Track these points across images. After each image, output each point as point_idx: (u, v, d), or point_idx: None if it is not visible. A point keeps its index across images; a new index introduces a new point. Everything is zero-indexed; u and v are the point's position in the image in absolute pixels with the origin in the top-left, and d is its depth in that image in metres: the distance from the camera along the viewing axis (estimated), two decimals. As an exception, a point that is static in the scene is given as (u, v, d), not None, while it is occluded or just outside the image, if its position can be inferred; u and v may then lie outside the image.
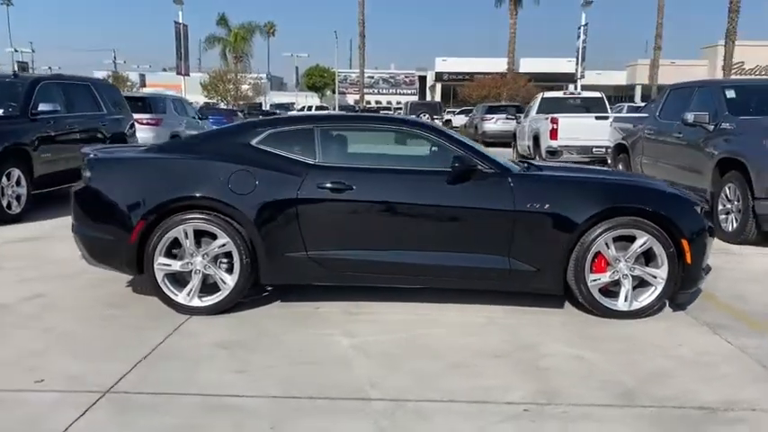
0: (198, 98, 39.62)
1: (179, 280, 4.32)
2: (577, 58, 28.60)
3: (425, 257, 4.26)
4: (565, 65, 50.57)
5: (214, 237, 4.22)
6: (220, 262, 4.26)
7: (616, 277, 4.27)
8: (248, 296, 4.44)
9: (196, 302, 4.24)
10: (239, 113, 27.62)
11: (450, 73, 57.12)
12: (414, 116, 21.31)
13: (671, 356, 3.68)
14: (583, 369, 3.48)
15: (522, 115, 17.17)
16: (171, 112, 14.12)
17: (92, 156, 4.44)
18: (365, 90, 52.44)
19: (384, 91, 65.96)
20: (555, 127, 12.68)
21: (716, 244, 4.94)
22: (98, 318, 4.23)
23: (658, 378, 3.37)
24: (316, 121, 4.58)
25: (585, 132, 12.56)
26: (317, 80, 67.85)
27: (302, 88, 64.70)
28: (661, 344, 3.88)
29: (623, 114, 12.81)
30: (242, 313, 4.32)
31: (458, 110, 40.05)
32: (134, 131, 11.06)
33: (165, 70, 71.57)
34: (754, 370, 3.50)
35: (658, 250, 4.21)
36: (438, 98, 53.88)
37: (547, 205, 4.18)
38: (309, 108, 49.92)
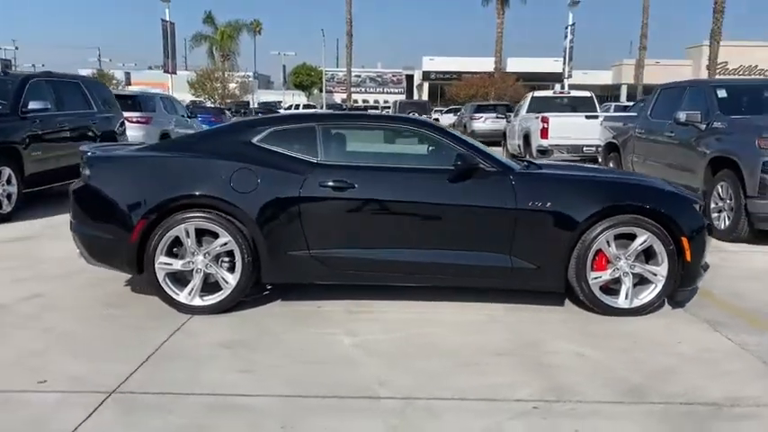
0: (185, 96, 39.34)
1: (180, 279, 4.29)
2: (565, 58, 28.74)
3: (428, 255, 4.26)
4: (552, 64, 50.83)
5: (215, 235, 4.19)
6: (222, 261, 4.24)
7: (617, 275, 4.29)
8: (249, 295, 4.41)
9: (197, 302, 4.22)
10: (227, 112, 27.42)
11: (437, 72, 57.21)
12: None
13: (673, 353, 3.71)
14: (588, 366, 3.50)
15: (513, 114, 17.23)
16: (161, 111, 14.00)
17: (91, 154, 4.40)
18: (352, 89, 52.40)
19: (371, 90, 65.89)
20: (545, 126, 12.73)
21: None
22: (98, 317, 4.19)
23: (663, 375, 3.40)
24: (318, 120, 4.57)
25: (576, 131, 12.63)
26: (304, 79, 67.63)
27: (289, 87, 64.48)
28: (662, 341, 3.91)
29: (614, 114, 12.87)
30: (243, 312, 4.30)
31: (445, 109, 40.10)
32: (124, 130, 10.97)
33: (150, 68, 71.08)
34: (757, 367, 3.54)
35: (658, 248, 4.24)
36: (425, 97, 53.95)
37: (548, 203, 4.20)
38: (297, 107, 49.77)
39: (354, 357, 3.61)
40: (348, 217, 4.23)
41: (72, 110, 9.29)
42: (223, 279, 4.21)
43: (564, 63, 28.70)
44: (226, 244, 4.17)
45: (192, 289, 4.21)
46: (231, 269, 4.22)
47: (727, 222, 6.93)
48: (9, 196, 7.67)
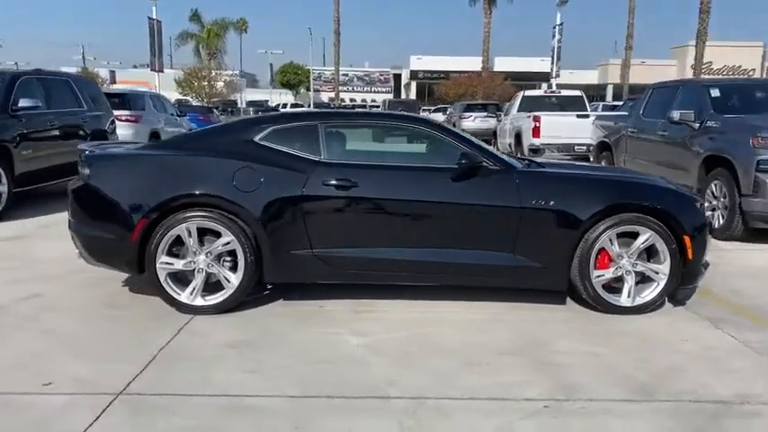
0: (171, 95, 39.05)
1: (180, 279, 4.24)
2: (553, 58, 28.82)
3: (431, 255, 4.25)
4: (539, 64, 51.05)
5: (217, 235, 4.15)
6: (224, 260, 4.20)
7: (619, 273, 4.31)
8: (250, 295, 4.37)
9: (199, 302, 4.18)
10: (215, 111, 27.26)
11: (425, 71, 57.29)
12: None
13: (678, 351, 3.73)
14: (594, 365, 3.50)
15: (503, 113, 17.27)
16: (150, 109, 13.89)
17: (90, 152, 4.34)
18: (340, 88, 52.30)
19: (358, 89, 65.88)
20: (537, 125, 12.78)
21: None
22: (99, 318, 4.14)
23: (670, 373, 3.41)
24: (320, 118, 4.54)
25: (567, 130, 12.70)
26: (292, 77, 67.41)
27: (276, 86, 64.21)
28: (666, 339, 3.93)
29: (606, 113, 12.95)
30: (245, 312, 4.26)
31: (433, 108, 40.15)
32: (114, 128, 10.87)
33: (135, 67, 70.53)
34: (762, 364, 3.56)
35: (661, 246, 4.26)
36: (413, 96, 54.02)
37: (552, 202, 4.20)
38: (284, 106, 49.59)
39: (361, 357, 3.59)
40: (351, 216, 4.21)
41: (62, 108, 9.18)
42: (225, 279, 4.18)
43: (552, 63, 28.80)
44: (228, 243, 4.13)
45: (194, 289, 4.17)
46: (233, 269, 4.19)
47: (722, 221, 6.98)
48: (-1, 195, 7.57)
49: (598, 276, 4.28)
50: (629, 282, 4.31)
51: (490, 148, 4.60)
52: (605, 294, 4.31)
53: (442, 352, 3.66)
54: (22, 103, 8.07)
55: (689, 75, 44.77)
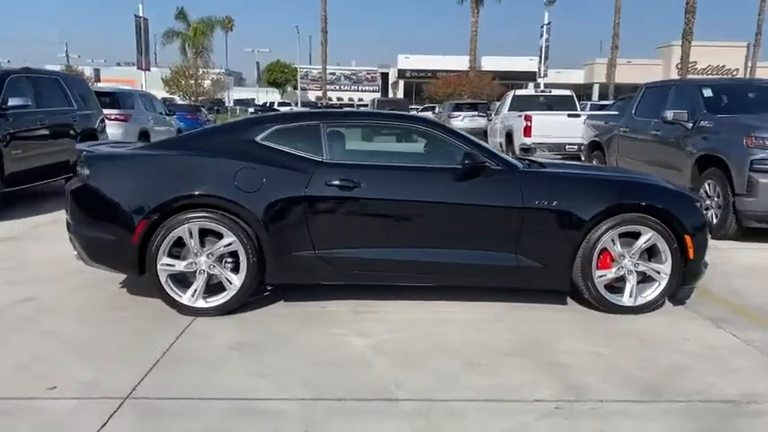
0: (157, 93, 38.72)
1: (181, 281, 4.20)
2: (541, 57, 28.90)
3: (434, 255, 4.23)
4: (526, 63, 51.23)
5: (218, 236, 4.11)
6: (225, 261, 4.16)
7: (621, 273, 4.32)
8: (251, 296, 4.33)
9: (201, 303, 4.14)
10: (202, 109, 27.07)
11: (412, 70, 57.28)
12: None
13: (682, 351, 3.74)
14: (600, 365, 3.51)
15: (494, 113, 17.31)
16: (139, 108, 13.76)
17: (90, 153, 4.28)
18: (327, 86, 52.16)
19: (346, 87, 65.81)
20: (528, 124, 12.82)
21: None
22: (98, 320, 4.09)
23: (676, 372, 3.42)
24: (322, 118, 4.50)
25: (558, 130, 12.75)
26: (278, 76, 67.16)
27: (263, 84, 63.94)
28: (669, 338, 3.95)
29: (597, 112, 13.02)
30: (247, 314, 4.23)
31: (421, 107, 40.17)
32: (104, 127, 10.75)
33: (119, 65, 69.95)
34: (766, 363, 3.58)
35: (662, 246, 4.28)
36: (400, 95, 54.02)
37: (555, 202, 4.20)
38: (271, 104, 49.40)
39: (366, 358, 3.57)
40: (354, 216, 4.18)
41: (52, 107, 9.05)
42: (227, 280, 4.14)
43: (540, 62, 28.89)
44: (230, 244, 4.09)
45: (196, 291, 4.13)
46: (235, 270, 4.15)
47: (715, 220, 7.03)
48: (-11, 196, 7.45)
49: (600, 276, 4.29)
50: (631, 281, 4.32)
51: (492, 148, 4.59)
52: (607, 294, 4.32)
53: (447, 352, 3.65)
54: (12, 102, 7.94)
55: (674, 74, 45.12)
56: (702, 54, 47.42)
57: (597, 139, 10.80)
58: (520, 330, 4.03)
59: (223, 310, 4.14)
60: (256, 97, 57.15)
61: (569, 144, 12.66)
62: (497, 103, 23.31)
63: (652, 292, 4.36)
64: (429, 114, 31.67)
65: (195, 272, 4.13)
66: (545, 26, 27.95)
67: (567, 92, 16.31)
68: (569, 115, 13.11)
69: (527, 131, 12.84)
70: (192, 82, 43.21)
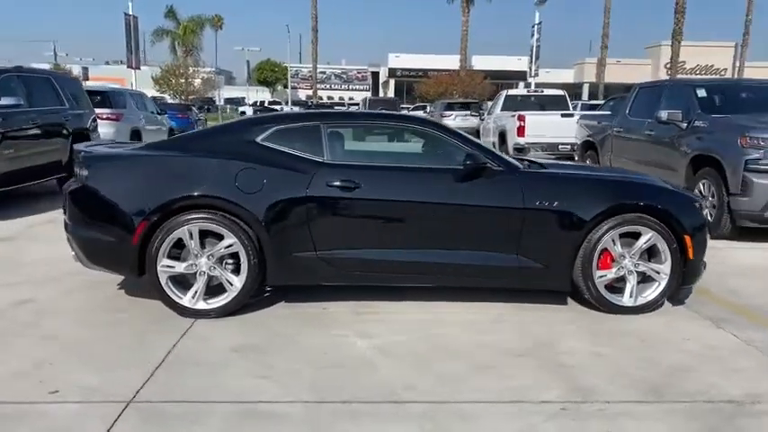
0: (146, 92, 38.49)
1: (181, 282, 4.17)
2: (531, 57, 28.97)
3: (436, 256, 4.23)
4: (516, 62, 51.42)
5: (219, 237, 4.09)
6: (226, 263, 4.14)
7: (621, 273, 4.34)
8: (251, 297, 4.30)
9: (201, 305, 4.11)
10: (193, 108, 26.91)
11: (403, 69, 57.23)
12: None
13: (684, 351, 3.76)
14: (604, 366, 3.51)
15: (486, 112, 17.34)
16: (131, 107, 13.66)
17: (88, 153, 4.24)
18: (317, 85, 52.07)
19: (336, 86, 65.69)
20: (522, 124, 12.85)
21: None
22: (98, 322, 4.05)
23: (679, 373, 3.43)
24: (322, 118, 4.48)
25: (551, 129, 12.79)
26: (268, 75, 66.92)
27: (253, 83, 63.71)
28: (670, 338, 3.96)
29: (590, 112, 13.08)
30: (248, 315, 4.20)
31: (412, 106, 40.17)
32: (96, 126, 10.66)
33: (107, 63, 69.47)
34: (767, 363, 3.61)
35: (662, 246, 4.29)
36: (391, 94, 53.99)
37: (555, 203, 4.20)
38: (262, 103, 49.26)
39: (370, 360, 3.56)
40: (356, 217, 4.17)
41: (44, 106, 8.97)
42: (228, 281, 4.11)
43: (531, 61, 28.96)
44: (231, 246, 4.06)
45: (196, 292, 4.10)
46: (235, 271, 4.13)
47: (710, 219, 7.07)
48: (-19, 196, 7.37)
49: (601, 277, 4.30)
50: (632, 281, 4.34)
51: (493, 148, 4.59)
52: (608, 294, 4.33)
53: (451, 354, 3.65)
54: (3, 101, 7.85)
55: (663, 74, 45.41)
56: (691, 54, 47.74)
57: (590, 138, 10.85)
58: (522, 331, 4.04)
59: (224, 312, 4.12)
60: (247, 96, 56.88)
61: (562, 144, 12.70)
62: (488, 103, 23.37)
63: (652, 292, 4.38)
64: (419, 114, 31.70)
65: (195, 273, 4.10)
66: (536, 26, 28.01)
67: (560, 91, 16.36)
68: (563, 115, 13.16)
69: (520, 131, 12.87)
70: (183, 81, 42.97)
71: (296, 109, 37.94)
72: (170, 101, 37.27)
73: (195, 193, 4.05)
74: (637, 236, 4.31)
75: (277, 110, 36.18)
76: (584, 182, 4.51)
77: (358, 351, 3.68)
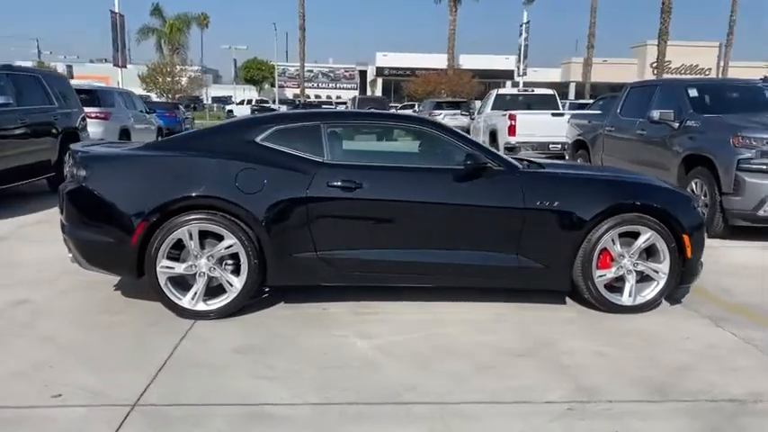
0: (133, 91, 38.16)
1: (180, 283, 4.14)
2: (519, 56, 29.11)
3: (436, 256, 4.22)
4: (503, 62, 51.62)
5: (218, 237, 4.06)
6: (226, 264, 4.11)
7: (621, 273, 4.36)
8: (250, 297, 4.28)
9: (201, 306, 4.08)
10: (180, 107, 26.74)
11: (390, 68, 57.21)
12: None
13: (684, 350, 3.78)
14: (606, 365, 3.53)
15: (477, 111, 17.38)
16: (119, 106, 13.54)
17: (85, 153, 4.18)
18: (305, 84, 51.95)
19: (323, 85, 65.54)
20: (513, 123, 12.88)
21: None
22: (95, 324, 4.00)
23: (681, 372, 3.45)
24: (322, 118, 4.46)
25: (542, 129, 12.83)
26: (255, 73, 66.62)
27: (240, 81, 63.42)
28: (670, 337, 3.98)
29: (581, 111, 13.13)
30: (247, 316, 4.18)
31: (400, 105, 40.16)
32: (85, 125, 10.57)
33: (92, 61, 68.88)
34: (767, 361, 3.64)
35: (661, 246, 4.32)
36: (379, 92, 53.96)
37: (556, 202, 4.21)
38: (249, 102, 49.04)
39: (373, 360, 3.54)
40: (356, 217, 4.16)
41: (33, 105, 8.87)
42: (228, 282, 4.08)
43: (519, 61, 29.09)
44: (231, 246, 4.04)
45: (196, 293, 4.06)
46: (235, 272, 4.10)
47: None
48: (-30, 196, 7.27)
49: (600, 276, 4.32)
50: (631, 281, 4.36)
51: (493, 148, 4.59)
52: (607, 294, 4.35)
53: (453, 354, 3.64)
54: (-7, 100, 7.77)
55: (648, 73, 45.81)
56: (676, 54, 48.19)
57: (582, 138, 10.89)
58: (522, 331, 4.04)
59: (224, 313, 4.09)
60: (233, 95, 56.66)
61: (553, 143, 12.75)
62: (476, 102, 23.44)
63: (651, 292, 4.40)
64: (409, 113, 31.72)
65: (195, 274, 4.07)
66: (524, 25, 28.15)
67: (550, 91, 16.43)
68: (553, 114, 13.21)
69: (511, 130, 12.90)
70: (170, 79, 42.66)
71: (284, 108, 37.85)
72: (155, 99, 37.00)
73: (195, 194, 4.01)
74: (635, 235, 4.33)
75: (275, 109, 36.03)
76: (584, 182, 4.53)
77: (359, 351, 3.67)
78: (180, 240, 4.02)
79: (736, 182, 6.66)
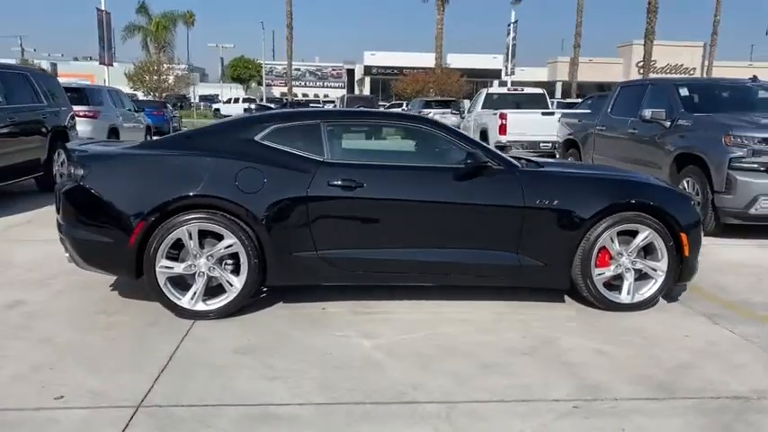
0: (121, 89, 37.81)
1: (179, 283, 4.10)
2: (507, 55, 29.23)
3: (437, 255, 4.22)
4: (491, 60, 51.74)
5: (218, 237, 4.03)
6: (225, 263, 4.08)
7: (619, 271, 4.38)
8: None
9: (201, 306, 4.05)
10: (168, 105, 26.57)
11: (378, 67, 57.16)
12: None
13: (684, 347, 3.80)
14: (609, 363, 3.54)
15: (467, 110, 17.41)
16: (108, 105, 13.42)
17: (83, 152, 4.14)
18: (292, 83, 51.79)
19: (311, 84, 65.33)
20: (504, 122, 12.92)
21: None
22: (93, 325, 3.96)
23: (683, 369, 3.47)
24: (322, 117, 4.44)
25: (533, 128, 12.88)
26: (242, 72, 66.24)
27: (226, 80, 63.08)
28: (669, 335, 4.01)
29: (572, 110, 13.20)
30: (247, 316, 4.15)
31: (388, 104, 40.14)
32: (74, 124, 10.47)
33: (76, 59, 68.21)
34: (766, 358, 3.67)
35: (659, 244, 4.34)
36: (367, 91, 53.88)
37: (555, 201, 4.23)
38: (236, 100, 48.80)
39: (377, 360, 3.53)
40: (357, 217, 4.14)
41: (21, 103, 8.76)
42: (228, 282, 4.06)
43: (507, 60, 29.19)
44: (230, 246, 4.01)
45: (195, 293, 4.03)
46: (235, 272, 4.07)
47: (694, 217, 7.17)
48: (-41, 196, 7.18)
49: (599, 274, 4.34)
50: (629, 279, 4.38)
51: (493, 148, 4.60)
52: (606, 292, 4.37)
53: (455, 353, 3.64)
54: (-20, 98, 7.67)
55: (634, 72, 46.12)
56: (662, 53, 48.56)
57: (572, 137, 10.94)
58: (523, 329, 4.05)
59: (224, 313, 4.06)
60: (220, 93, 56.39)
61: (543, 142, 12.80)
62: (464, 101, 23.46)
63: (648, 290, 4.43)
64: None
65: (194, 274, 4.04)
66: (512, 24, 28.24)
67: (539, 90, 16.51)
68: (544, 113, 13.27)
69: (502, 129, 12.94)
70: (156, 78, 42.31)
71: (272, 107, 37.66)
72: (142, 97, 36.72)
73: (195, 193, 3.98)
74: (633, 234, 4.35)
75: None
76: (583, 180, 4.54)
77: (362, 351, 3.66)
78: (179, 240, 3.99)
79: (728, 180, 6.72)
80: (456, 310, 4.37)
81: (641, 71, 38.73)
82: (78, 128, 11.06)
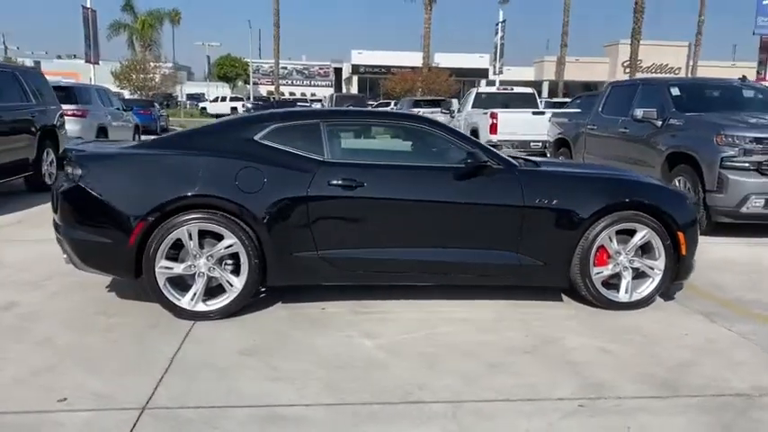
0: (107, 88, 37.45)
1: (179, 284, 4.08)
2: (495, 55, 29.32)
3: (437, 254, 4.23)
4: (478, 60, 51.87)
5: (218, 237, 4.00)
6: (225, 263, 4.06)
7: (617, 270, 4.40)
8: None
9: (201, 307, 4.02)
10: (156, 104, 26.38)
11: (366, 66, 57.07)
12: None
13: (684, 346, 3.83)
14: (612, 362, 3.56)
15: (457, 110, 17.44)
16: (96, 103, 13.31)
17: (81, 152, 4.09)
18: (279, 81, 51.59)
19: (298, 82, 65.08)
20: (494, 122, 12.95)
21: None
22: (91, 327, 3.92)
23: (684, 367, 3.50)
24: (322, 116, 4.43)
25: (523, 127, 12.92)
26: (229, 70, 65.88)
27: (213, 78, 62.72)
28: (668, 334, 4.03)
29: (563, 110, 13.26)
30: (247, 316, 4.13)
31: (375, 103, 40.09)
32: (63, 123, 10.38)
33: (59, 57, 67.50)
34: (765, 356, 3.71)
35: (656, 243, 4.38)
36: (354, 90, 53.78)
37: (555, 201, 4.24)
38: (223, 99, 48.57)
39: (380, 360, 3.53)
40: (357, 216, 4.14)
41: (9, 102, 8.66)
42: (228, 283, 4.03)
43: (495, 59, 29.27)
44: (231, 246, 3.99)
45: (195, 294, 4.01)
46: (235, 272, 4.05)
47: (686, 215, 7.23)
48: (-52, 196, 7.08)
49: (597, 273, 4.36)
50: (627, 278, 4.41)
51: (492, 147, 4.61)
52: (604, 291, 4.40)
53: (458, 353, 3.64)
54: (-31, 97, 7.57)
55: (620, 72, 46.41)
56: (647, 53, 48.80)
57: (563, 136, 10.99)
58: (524, 328, 4.06)
59: (224, 314, 4.04)
60: (207, 92, 56.08)
61: (534, 141, 12.85)
62: (451, 100, 23.48)
63: (646, 288, 4.46)
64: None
65: (194, 274, 4.01)
66: (500, 24, 28.33)
67: (529, 89, 16.57)
68: (534, 113, 13.32)
69: (493, 129, 12.97)
70: (143, 76, 41.98)
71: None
72: (128, 96, 36.42)
73: (194, 193, 3.95)
74: (631, 233, 4.38)
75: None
76: (582, 180, 4.57)
77: (365, 351, 3.65)
78: (179, 240, 3.96)
79: (720, 179, 6.78)
80: (455, 309, 4.38)
81: (627, 71, 38.99)
82: (67, 127, 10.96)
